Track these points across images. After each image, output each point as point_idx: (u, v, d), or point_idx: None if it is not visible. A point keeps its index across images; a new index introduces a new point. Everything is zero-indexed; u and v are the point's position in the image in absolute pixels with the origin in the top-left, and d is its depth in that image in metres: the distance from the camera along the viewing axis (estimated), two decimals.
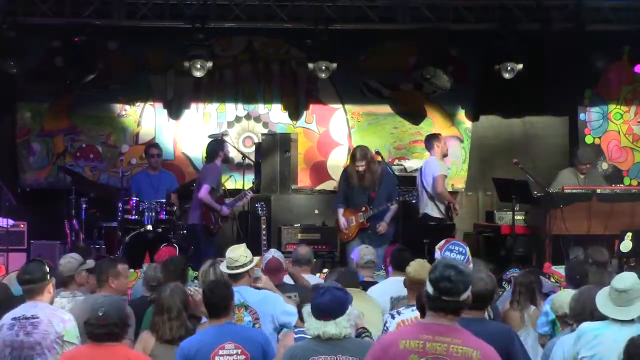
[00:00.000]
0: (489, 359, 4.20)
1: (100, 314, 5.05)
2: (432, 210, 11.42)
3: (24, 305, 6.22)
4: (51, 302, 6.33)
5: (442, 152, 11.69)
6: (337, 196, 11.35)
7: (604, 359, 5.23)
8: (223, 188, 11.84)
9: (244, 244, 7.19)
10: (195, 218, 11.42)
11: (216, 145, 11.70)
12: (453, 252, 6.45)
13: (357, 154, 11.05)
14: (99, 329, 5.07)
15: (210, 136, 12.96)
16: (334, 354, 4.87)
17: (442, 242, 6.58)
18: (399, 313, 6.13)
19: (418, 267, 6.39)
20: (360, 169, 10.88)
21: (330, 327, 4.88)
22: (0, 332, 6.12)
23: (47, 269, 6.34)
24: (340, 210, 11.02)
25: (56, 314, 6.17)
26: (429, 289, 4.24)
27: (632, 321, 5.29)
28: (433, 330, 4.19)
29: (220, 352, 5.62)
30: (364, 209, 10.88)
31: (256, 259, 7.17)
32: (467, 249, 6.53)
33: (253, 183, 12.24)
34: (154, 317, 6.15)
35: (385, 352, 4.22)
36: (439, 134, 12.05)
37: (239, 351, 5.62)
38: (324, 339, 4.88)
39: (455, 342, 4.15)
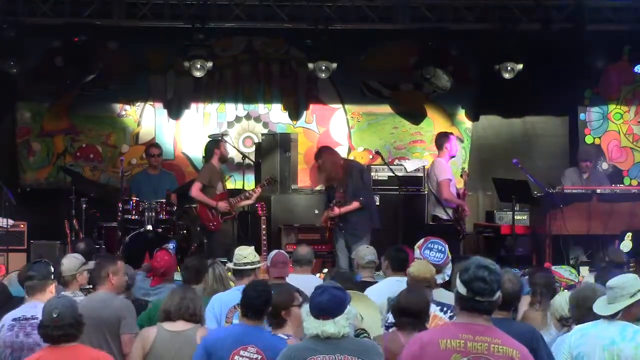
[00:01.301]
0: (527, 359, 4.23)
1: (55, 316, 5.08)
2: (441, 212, 11.40)
3: (25, 306, 6.26)
4: None
5: (451, 154, 11.68)
6: (324, 197, 11.47)
7: (586, 356, 5.26)
8: (222, 186, 11.84)
9: (253, 247, 7.31)
10: None
11: (212, 145, 11.81)
12: (433, 251, 6.47)
13: (315, 154, 11.24)
14: (55, 330, 5.10)
15: (210, 136, 12.96)
16: (332, 353, 4.86)
17: (421, 240, 6.58)
18: None
19: (420, 266, 6.39)
20: (319, 167, 10.99)
21: (329, 326, 4.86)
22: (0, 332, 6.13)
23: (52, 270, 6.40)
24: (326, 212, 11.07)
25: None
26: (461, 289, 4.23)
27: (618, 320, 5.31)
28: (472, 329, 4.20)
29: (242, 352, 5.61)
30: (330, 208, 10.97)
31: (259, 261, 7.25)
32: (446, 246, 6.53)
33: (265, 180, 12.09)
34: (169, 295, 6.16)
35: (424, 350, 4.21)
36: (450, 134, 11.98)
37: (260, 357, 5.60)
38: (323, 338, 4.88)
39: (495, 342, 4.18)
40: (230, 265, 7.12)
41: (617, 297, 5.32)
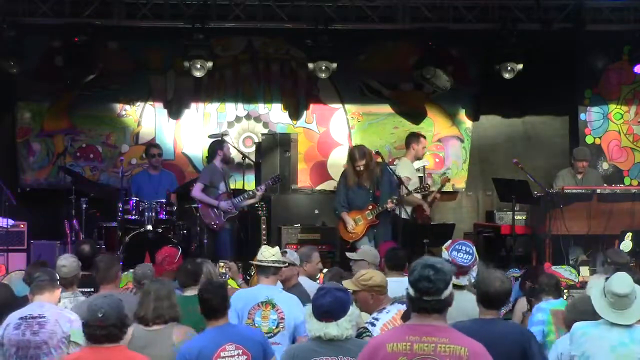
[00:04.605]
0: (477, 355, 4.19)
1: (100, 315, 5.03)
2: (399, 211, 11.38)
3: (31, 305, 6.27)
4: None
5: (417, 155, 11.71)
6: (337, 199, 11.22)
7: (592, 357, 5.24)
8: (224, 187, 11.83)
9: (278, 247, 7.31)
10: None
11: (215, 145, 11.87)
12: (460, 252, 6.44)
13: (356, 153, 11.05)
14: (99, 330, 5.04)
15: (210, 136, 12.97)
16: (335, 355, 4.85)
17: (449, 242, 6.56)
18: (376, 319, 6.09)
19: None
20: (361, 167, 10.90)
21: (332, 329, 4.85)
22: (6, 331, 6.13)
23: (57, 277, 6.51)
24: (345, 214, 10.99)
25: (63, 314, 6.21)
26: (410, 290, 4.24)
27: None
28: (419, 330, 4.19)
29: (222, 354, 5.61)
30: (371, 207, 10.89)
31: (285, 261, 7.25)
32: (474, 248, 6.52)
33: (271, 180, 12.04)
34: (140, 298, 6.16)
35: (373, 355, 4.22)
36: (420, 135, 11.98)
37: (240, 352, 5.60)
38: (325, 340, 4.86)
39: (442, 341, 4.16)
40: (255, 261, 7.09)
41: (630, 302, 5.28)
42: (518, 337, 5.34)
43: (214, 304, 5.80)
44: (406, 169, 11.44)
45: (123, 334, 5.12)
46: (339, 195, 11.21)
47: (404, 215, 11.28)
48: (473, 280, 6.54)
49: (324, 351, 4.84)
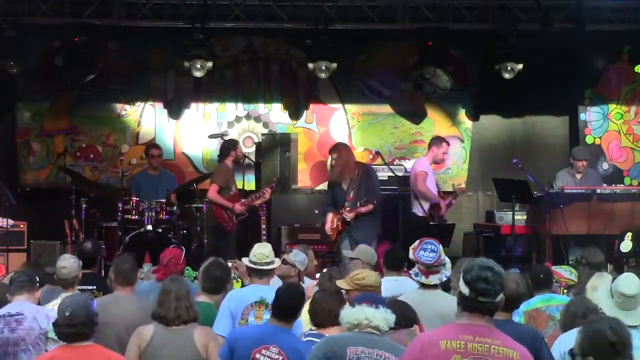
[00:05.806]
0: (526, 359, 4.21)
1: (67, 314, 5.06)
2: (416, 209, 11.41)
3: (11, 304, 6.34)
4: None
5: (434, 159, 11.71)
6: (326, 198, 11.27)
7: None
8: (235, 187, 11.82)
9: (270, 245, 7.27)
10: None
11: (229, 145, 11.78)
12: (426, 251, 6.46)
13: (330, 149, 11.07)
14: (67, 329, 5.08)
15: (210, 136, 12.98)
16: (371, 347, 4.86)
17: (416, 242, 6.56)
18: None
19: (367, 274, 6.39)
20: (331, 162, 10.87)
21: (371, 310, 4.88)
22: None
23: (37, 279, 6.55)
24: (329, 215, 10.96)
25: (41, 311, 6.27)
26: (464, 289, 4.21)
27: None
28: (472, 330, 4.18)
29: (263, 351, 5.65)
30: (341, 211, 10.83)
31: (277, 260, 7.21)
32: (440, 247, 6.53)
33: (273, 182, 12.02)
34: (159, 298, 6.09)
35: (424, 351, 4.19)
36: (444, 141, 11.87)
37: (281, 358, 5.62)
38: (363, 326, 4.89)
39: (495, 343, 4.17)
40: (247, 263, 7.05)
41: (638, 302, 5.28)
42: (529, 339, 5.35)
43: (283, 305, 5.82)
44: (421, 165, 11.51)
45: (92, 332, 5.15)
46: (327, 194, 11.26)
47: (420, 213, 11.28)
48: (445, 279, 6.55)
49: (361, 342, 4.86)
